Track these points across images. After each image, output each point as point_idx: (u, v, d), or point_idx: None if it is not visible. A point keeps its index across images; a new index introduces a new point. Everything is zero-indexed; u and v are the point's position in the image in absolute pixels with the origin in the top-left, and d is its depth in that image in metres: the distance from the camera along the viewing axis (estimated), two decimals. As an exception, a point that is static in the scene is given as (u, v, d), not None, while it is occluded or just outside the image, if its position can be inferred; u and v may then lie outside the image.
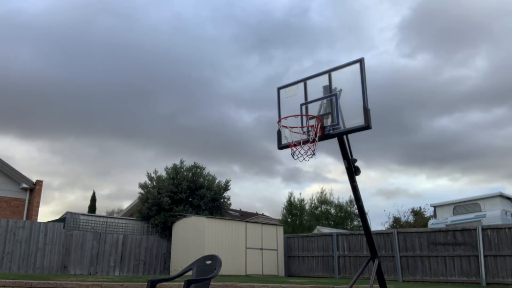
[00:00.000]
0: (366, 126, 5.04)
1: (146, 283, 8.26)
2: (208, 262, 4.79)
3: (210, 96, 42.88)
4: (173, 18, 41.37)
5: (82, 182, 60.51)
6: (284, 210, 29.31)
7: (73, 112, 38.70)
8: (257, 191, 55.51)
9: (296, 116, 5.59)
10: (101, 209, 45.24)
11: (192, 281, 4.22)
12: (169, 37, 40.87)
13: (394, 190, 49.22)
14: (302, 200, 29.65)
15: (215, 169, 55.38)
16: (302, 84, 5.83)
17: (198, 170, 19.76)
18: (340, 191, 49.27)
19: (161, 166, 19.02)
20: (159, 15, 40.77)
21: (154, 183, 19.36)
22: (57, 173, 55.96)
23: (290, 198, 29.41)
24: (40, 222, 15.66)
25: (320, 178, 46.95)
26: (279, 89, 6.11)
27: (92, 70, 37.94)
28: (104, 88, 39.58)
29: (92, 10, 37.54)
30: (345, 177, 5.64)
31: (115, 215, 27.41)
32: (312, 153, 5.27)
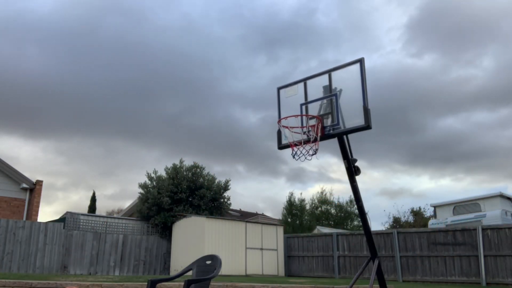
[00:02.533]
0: (366, 126, 5.04)
1: (146, 283, 8.26)
2: (208, 262, 4.79)
3: (217, 96, 42.89)
4: (182, 18, 41.22)
5: (86, 182, 60.51)
6: (284, 210, 29.29)
7: (79, 111, 38.69)
8: (261, 191, 55.41)
9: (296, 116, 5.59)
10: (103, 209, 45.23)
11: (192, 281, 4.22)
12: (178, 37, 40.76)
13: (397, 190, 49.13)
14: (302, 200, 29.64)
15: (219, 169, 54.79)
16: (302, 84, 5.83)
17: (198, 170, 19.76)
18: (343, 191, 49.13)
19: (166, 165, 19.08)
20: (168, 15, 40.66)
21: (154, 183, 19.36)
22: (61, 173, 55.88)
23: (290, 198, 29.39)
24: (40, 222, 15.66)
25: (325, 178, 46.86)
26: (279, 89, 6.11)
27: (100, 70, 38.00)
28: (111, 88, 39.62)
29: (101, 10, 37.54)
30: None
31: (115, 215, 27.41)
32: (314, 152, 5.27)
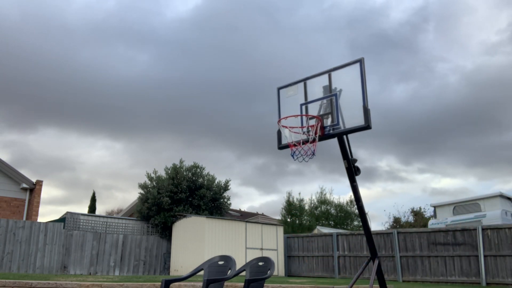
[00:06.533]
0: (366, 126, 5.04)
1: (146, 283, 8.27)
2: (221, 262, 4.85)
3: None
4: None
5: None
6: (283, 210, 29.27)
7: (169, 111, 39.45)
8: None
9: (296, 116, 5.59)
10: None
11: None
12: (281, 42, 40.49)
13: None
14: (301, 200, 29.62)
15: (294, 167, 51.70)
16: (302, 84, 5.83)
17: (198, 170, 19.76)
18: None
19: (166, 165, 19.10)
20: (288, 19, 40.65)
21: (154, 183, 19.35)
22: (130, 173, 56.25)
23: (289, 198, 29.37)
24: (40, 222, 15.66)
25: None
26: (279, 89, 6.11)
27: (204, 71, 38.98)
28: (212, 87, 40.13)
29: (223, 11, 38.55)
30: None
31: (114, 215, 27.41)
32: (312, 154, 5.27)
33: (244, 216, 27.56)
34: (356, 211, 20.96)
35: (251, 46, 38.92)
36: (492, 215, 14.84)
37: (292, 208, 28.85)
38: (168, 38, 40.42)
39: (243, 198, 60.88)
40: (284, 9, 40.72)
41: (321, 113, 5.47)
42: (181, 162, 19.82)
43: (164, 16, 42.37)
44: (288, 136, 5.50)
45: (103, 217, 19.36)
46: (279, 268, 17.06)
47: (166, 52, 41.26)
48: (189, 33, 40.66)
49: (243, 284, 4.60)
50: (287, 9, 40.64)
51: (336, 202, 30.82)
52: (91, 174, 58.02)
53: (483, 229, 12.50)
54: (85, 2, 38.75)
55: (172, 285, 4.78)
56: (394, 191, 49.59)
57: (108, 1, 41.06)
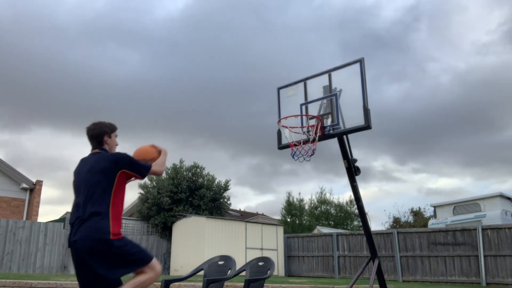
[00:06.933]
0: (366, 126, 5.04)
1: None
2: (221, 262, 4.85)
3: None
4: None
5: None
6: (283, 210, 29.27)
7: (161, 111, 39.54)
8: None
9: (296, 116, 5.59)
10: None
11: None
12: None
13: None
14: (301, 200, 29.62)
15: (288, 167, 50.90)
16: (302, 84, 5.83)
17: (198, 170, 19.76)
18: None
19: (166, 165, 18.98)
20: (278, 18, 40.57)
21: (154, 183, 19.36)
22: None
23: (289, 198, 29.37)
24: (40, 222, 15.66)
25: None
26: (279, 89, 6.11)
27: (196, 69, 39.10)
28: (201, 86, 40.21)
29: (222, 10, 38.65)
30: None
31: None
32: (312, 153, 5.27)
33: (244, 216, 27.56)
34: (356, 211, 20.97)
35: (243, 46, 38.98)
36: (492, 215, 14.83)
37: (292, 208, 28.85)
38: (159, 37, 40.43)
39: (238, 198, 61.04)
40: (274, 8, 40.68)
41: (321, 113, 5.47)
42: (181, 162, 19.84)
43: (155, 15, 42.36)
44: (288, 136, 5.49)
45: (103, 217, 19.35)
46: (279, 268, 17.06)
47: (158, 51, 41.31)
48: (180, 32, 40.77)
49: (243, 284, 4.60)
50: (277, 8, 40.62)
51: (336, 202, 30.84)
52: (86, 174, 58.16)
53: (483, 229, 12.50)
54: (75, 2, 38.75)
55: (172, 285, 4.77)
56: (389, 191, 49.60)
57: (98, 0, 41.07)
